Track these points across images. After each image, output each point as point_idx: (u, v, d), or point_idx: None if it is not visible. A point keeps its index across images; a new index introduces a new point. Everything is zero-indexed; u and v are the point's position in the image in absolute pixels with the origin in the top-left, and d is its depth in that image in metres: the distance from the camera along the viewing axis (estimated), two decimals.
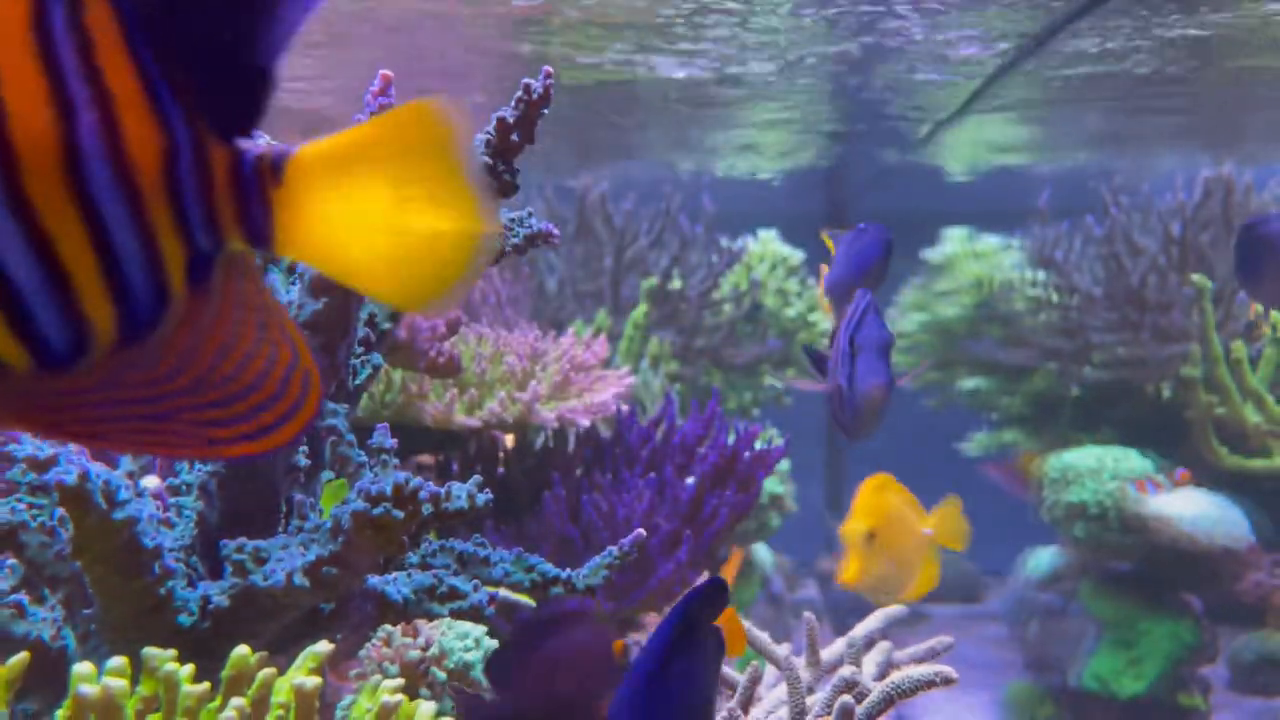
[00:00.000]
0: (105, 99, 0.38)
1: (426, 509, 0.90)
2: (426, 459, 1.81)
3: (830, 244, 1.83)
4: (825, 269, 1.86)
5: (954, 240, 3.80)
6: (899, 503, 1.29)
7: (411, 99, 0.45)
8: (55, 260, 0.38)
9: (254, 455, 0.47)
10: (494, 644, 1.29)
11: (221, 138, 0.42)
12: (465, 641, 1.26)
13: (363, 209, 0.43)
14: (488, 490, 0.94)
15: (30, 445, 0.89)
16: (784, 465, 3.11)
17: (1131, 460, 2.95)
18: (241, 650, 0.86)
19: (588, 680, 1.04)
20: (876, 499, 1.27)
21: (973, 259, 3.72)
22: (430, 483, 0.92)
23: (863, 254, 1.74)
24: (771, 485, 2.97)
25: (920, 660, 1.26)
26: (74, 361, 0.40)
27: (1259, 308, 2.83)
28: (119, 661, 0.81)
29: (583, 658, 1.05)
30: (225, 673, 0.85)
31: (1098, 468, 2.93)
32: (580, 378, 1.84)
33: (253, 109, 0.42)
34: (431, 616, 1.06)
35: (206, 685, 0.83)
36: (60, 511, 0.96)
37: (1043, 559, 3.46)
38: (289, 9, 0.42)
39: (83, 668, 0.79)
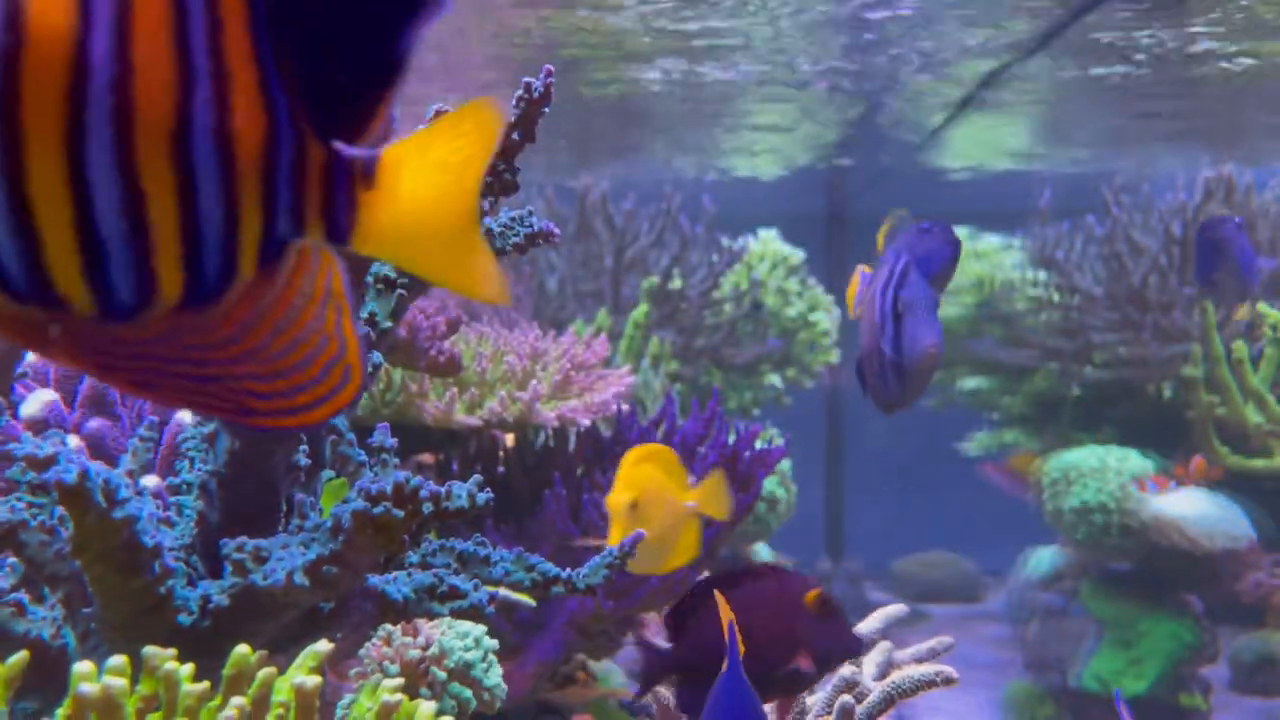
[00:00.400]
0: (223, 77, 0.40)
1: (427, 508, 0.90)
2: (427, 458, 1.81)
3: (880, 245, 1.70)
4: (865, 271, 1.71)
5: None
6: (660, 474, 1.24)
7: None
8: (143, 217, 0.40)
9: (279, 429, 0.52)
10: (494, 643, 1.29)
11: (323, 136, 0.44)
12: (465, 641, 1.26)
13: (439, 207, 0.45)
14: (488, 489, 0.94)
15: (30, 444, 0.89)
16: (785, 466, 3.11)
17: (1132, 460, 2.95)
18: (242, 649, 0.86)
19: (782, 624, 1.09)
20: (638, 471, 1.23)
21: (974, 259, 3.72)
22: (430, 482, 0.92)
23: (931, 256, 1.61)
24: (771, 486, 2.97)
25: (921, 660, 1.26)
26: (135, 316, 0.42)
27: (1245, 309, 2.82)
28: (119, 660, 0.81)
29: (777, 602, 1.10)
30: (225, 672, 0.85)
31: (1099, 467, 2.93)
32: (581, 377, 1.84)
33: (361, 116, 0.44)
34: (432, 616, 1.06)
35: (206, 684, 0.83)
36: (60, 510, 0.96)
37: (1043, 559, 3.46)
38: (410, 24, 0.43)
39: (83, 666, 0.79)
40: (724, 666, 0.93)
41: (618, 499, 1.18)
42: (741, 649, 0.93)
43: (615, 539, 1.09)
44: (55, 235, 0.39)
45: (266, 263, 0.44)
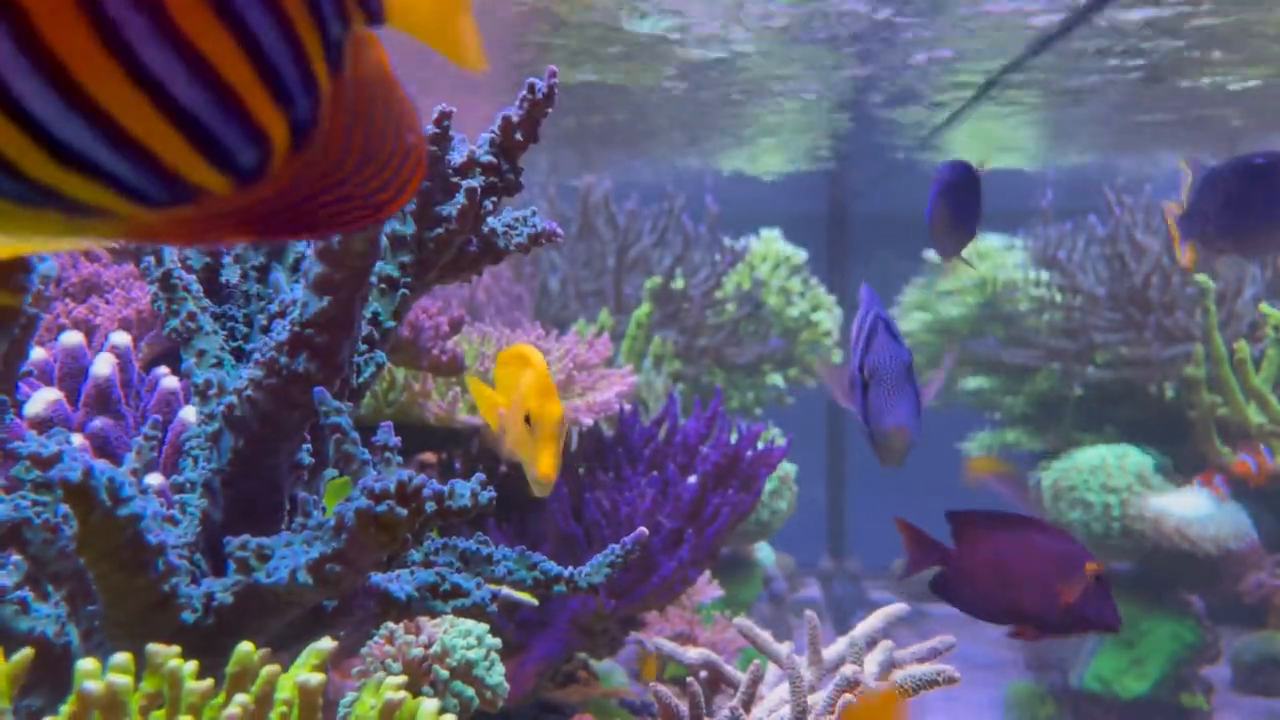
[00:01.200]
0: None
1: (430, 507, 0.90)
2: (429, 457, 1.81)
3: (1188, 171, 1.59)
4: (1176, 208, 1.57)
5: None
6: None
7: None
8: (221, 80, 0.40)
9: (408, 201, 0.52)
10: (496, 642, 1.29)
11: None
12: (468, 639, 1.26)
13: None
14: (490, 488, 0.94)
15: (34, 442, 0.89)
16: (789, 469, 3.11)
17: (1131, 457, 2.95)
18: (245, 647, 0.86)
19: (1057, 577, 1.14)
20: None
21: (976, 259, 3.72)
22: (433, 481, 0.92)
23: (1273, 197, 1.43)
24: (772, 487, 2.97)
25: (922, 659, 1.26)
26: (264, 172, 0.43)
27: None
28: (123, 658, 0.81)
29: (1062, 557, 1.18)
30: (229, 669, 0.86)
31: (1100, 466, 2.93)
32: (583, 376, 1.84)
33: None
34: (434, 614, 1.06)
35: (210, 682, 0.84)
36: (64, 508, 0.96)
37: None
38: None
39: (87, 664, 0.79)
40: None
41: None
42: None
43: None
44: (153, 133, 0.39)
45: (336, 69, 0.44)
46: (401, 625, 1.26)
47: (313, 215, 0.46)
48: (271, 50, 0.41)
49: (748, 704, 1.17)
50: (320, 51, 0.43)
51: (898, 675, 1.14)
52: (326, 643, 0.89)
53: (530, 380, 1.11)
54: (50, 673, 0.98)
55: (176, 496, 1.08)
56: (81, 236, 0.42)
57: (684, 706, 1.17)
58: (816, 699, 1.13)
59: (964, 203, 1.62)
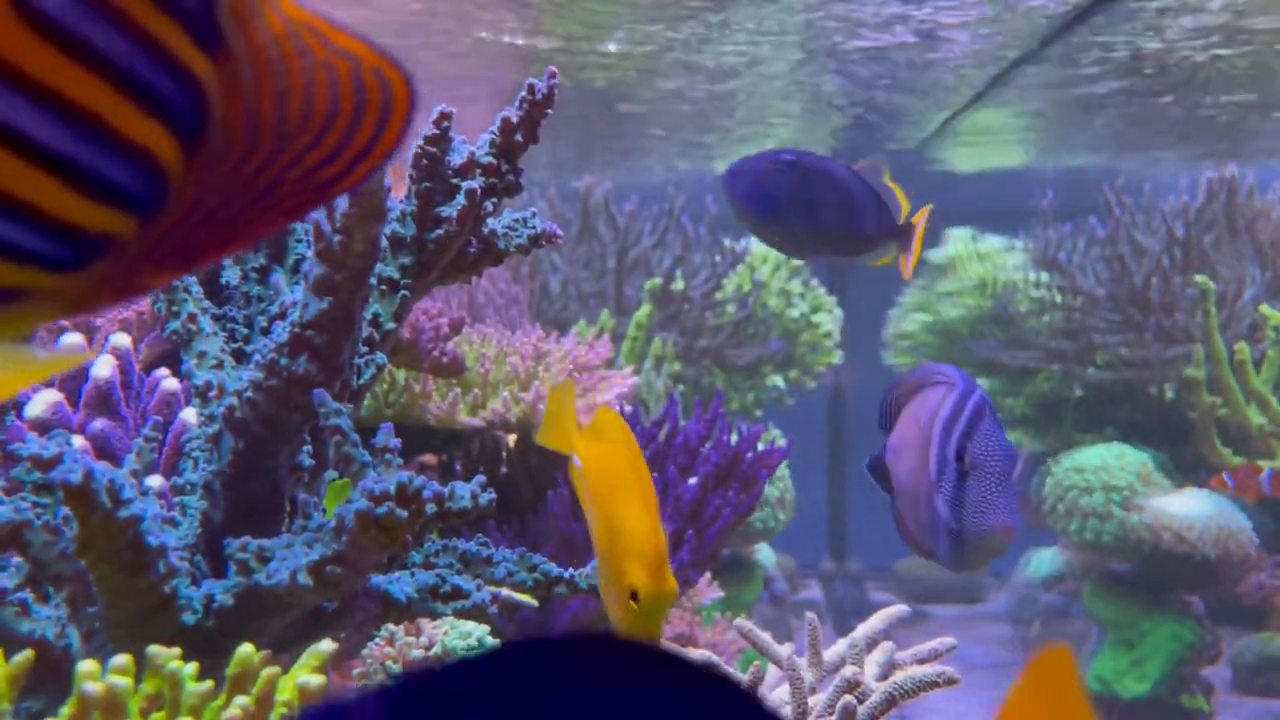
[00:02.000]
0: None
1: (430, 508, 0.90)
2: (430, 459, 1.81)
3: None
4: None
5: (957, 241, 3.80)
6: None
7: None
8: (80, 110, 0.35)
9: (375, 171, 0.42)
10: (496, 643, 1.29)
11: None
12: (468, 641, 1.26)
13: None
14: (491, 490, 0.94)
15: (35, 444, 0.89)
16: (784, 473, 3.11)
17: (1129, 457, 2.95)
18: (245, 648, 0.86)
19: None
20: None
21: (976, 260, 3.72)
22: (434, 482, 0.92)
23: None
24: (773, 489, 2.97)
25: (923, 661, 1.26)
26: (163, 193, 0.38)
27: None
28: (123, 659, 0.81)
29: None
30: (229, 671, 0.86)
31: (1101, 466, 2.93)
32: (583, 378, 1.84)
33: None
34: (434, 616, 1.06)
35: (210, 683, 0.84)
36: (65, 510, 0.96)
37: (1044, 559, 3.46)
38: None
39: (87, 666, 0.79)
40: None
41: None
42: None
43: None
44: (23, 184, 0.34)
45: (213, 46, 0.37)
46: (402, 627, 1.26)
47: (242, 217, 0.40)
48: (116, 54, 0.35)
49: None
50: (180, 35, 0.36)
51: (899, 676, 1.14)
52: (327, 644, 0.89)
53: (638, 537, 0.87)
54: (51, 674, 0.98)
55: (177, 498, 1.08)
56: (20, 326, 0.38)
57: None
58: (817, 700, 1.12)
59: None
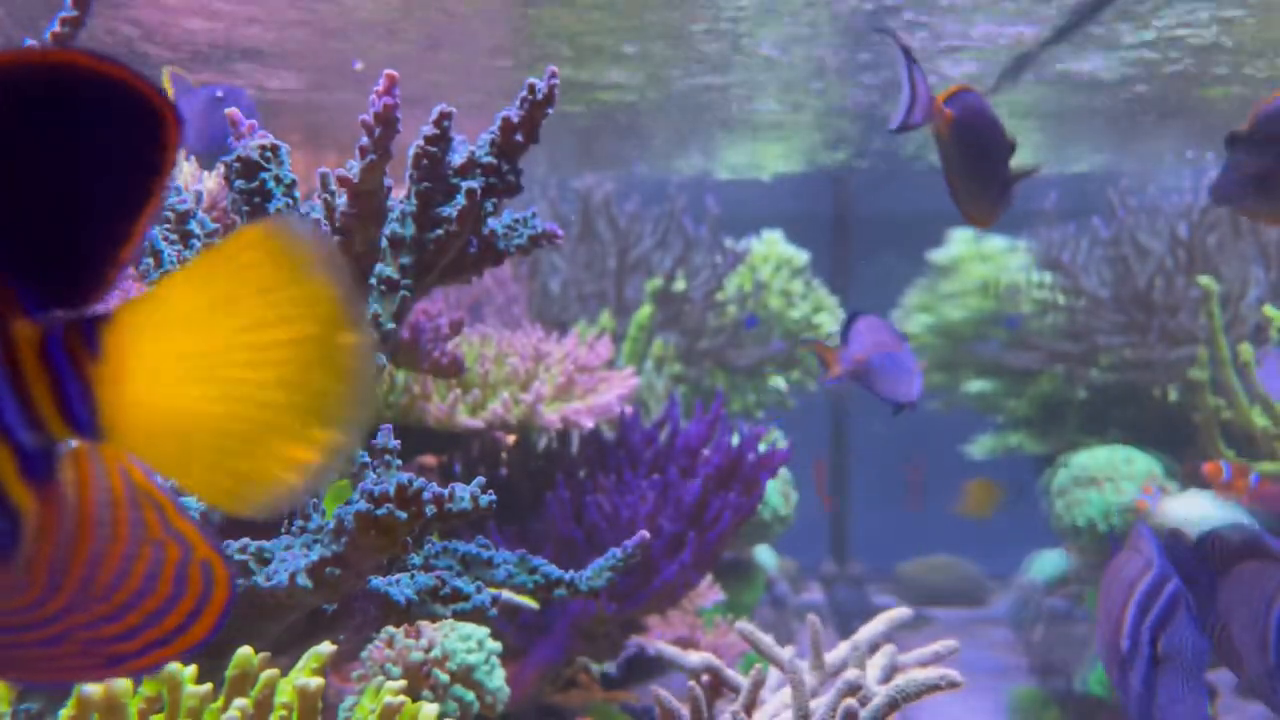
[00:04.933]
0: None
1: (430, 510, 0.90)
2: (429, 460, 1.80)
3: None
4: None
5: (960, 242, 3.80)
6: None
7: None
8: None
9: (172, 660, 0.41)
10: (497, 646, 1.29)
11: (30, 309, 0.34)
12: (468, 643, 1.26)
13: (198, 383, 0.35)
14: (491, 492, 0.94)
15: None
16: (787, 475, 3.10)
17: (1138, 463, 2.94)
18: (245, 651, 0.86)
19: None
20: None
21: (979, 261, 3.72)
22: (433, 484, 0.92)
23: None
24: (773, 490, 2.97)
25: (925, 664, 1.25)
26: None
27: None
28: None
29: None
30: (228, 673, 0.85)
31: (1105, 467, 2.92)
32: (584, 379, 1.84)
33: (83, 277, 0.34)
34: (434, 618, 1.06)
35: (209, 685, 0.83)
36: None
37: (1048, 563, 3.46)
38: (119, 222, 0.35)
39: None
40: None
41: None
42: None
43: None
44: None
45: (41, 484, 0.35)
46: (401, 629, 1.26)
47: (29, 657, 0.37)
48: None
49: (749, 708, 1.17)
50: (10, 465, 0.34)
51: (900, 679, 1.14)
52: (326, 646, 0.89)
53: None
54: None
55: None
56: None
57: (685, 711, 1.16)
58: (818, 703, 1.12)
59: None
